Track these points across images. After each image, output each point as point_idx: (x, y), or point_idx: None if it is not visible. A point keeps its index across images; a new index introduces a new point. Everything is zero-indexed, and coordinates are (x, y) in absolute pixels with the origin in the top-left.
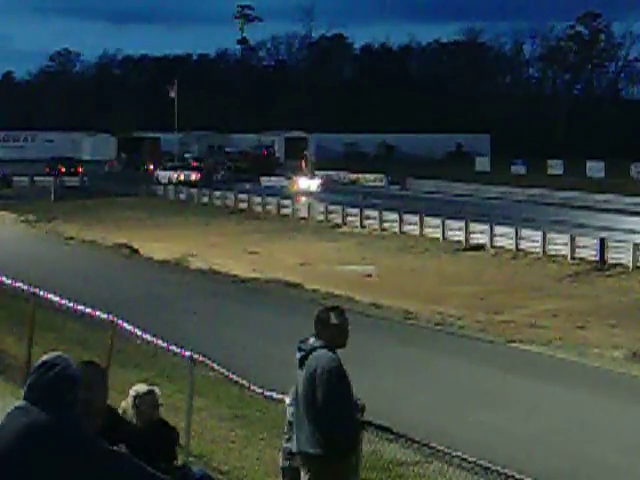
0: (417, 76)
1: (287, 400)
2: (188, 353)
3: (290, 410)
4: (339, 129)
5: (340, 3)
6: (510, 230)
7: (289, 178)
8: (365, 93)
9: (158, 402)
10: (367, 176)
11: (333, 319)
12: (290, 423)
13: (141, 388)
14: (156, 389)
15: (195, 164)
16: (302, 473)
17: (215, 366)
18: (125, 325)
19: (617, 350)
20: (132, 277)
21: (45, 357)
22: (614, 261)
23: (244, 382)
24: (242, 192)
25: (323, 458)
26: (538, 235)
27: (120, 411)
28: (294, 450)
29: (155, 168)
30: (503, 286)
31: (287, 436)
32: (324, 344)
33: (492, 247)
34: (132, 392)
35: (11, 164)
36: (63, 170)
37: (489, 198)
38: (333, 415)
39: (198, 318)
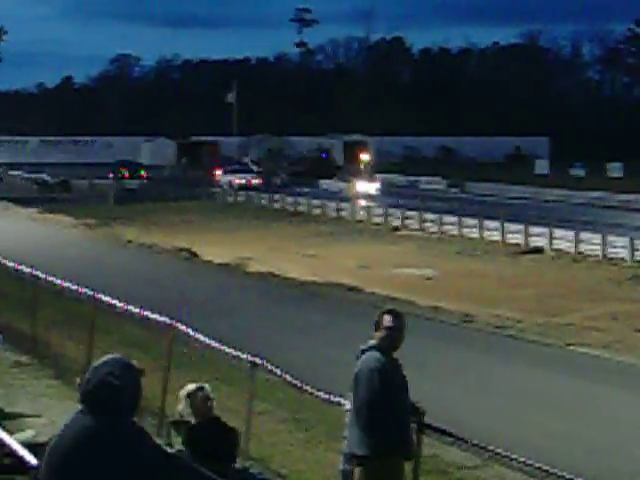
0: (476, 79)
1: (347, 405)
2: (248, 357)
3: (348, 413)
4: (398, 132)
5: (399, 7)
6: (569, 233)
7: (348, 181)
8: (424, 96)
9: (210, 397)
10: (426, 179)
11: (386, 321)
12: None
13: (191, 386)
14: (206, 385)
15: (255, 168)
16: (354, 474)
17: (274, 369)
18: (184, 328)
19: None
20: (191, 280)
21: (96, 363)
22: None
23: (303, 385)
24: (301, 195)
25: (369, 458)
26: (598, 238)
27: (177, 415)
28: (345, 451)
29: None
30: (562, 289)
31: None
32: (376, 345)
33: (551, 250)
34: (183, 392)
35: (70, 168)
36: (127, 175)
37: (548, 201)
38: (372, 415)
39: (258, 322)
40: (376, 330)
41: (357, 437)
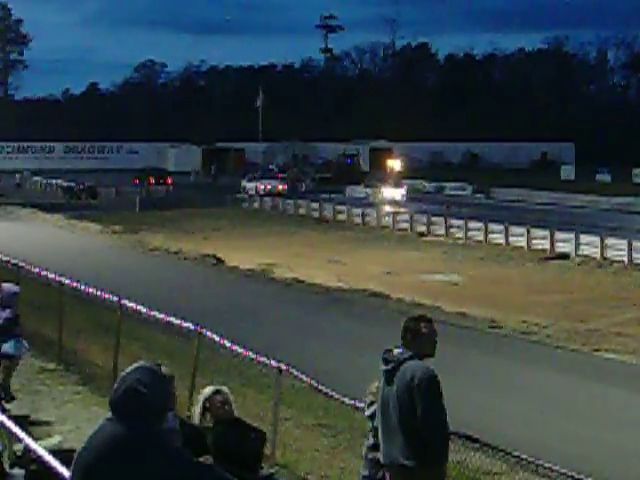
0: (501, 85)
1: (366, 412)
2: (275, 363)
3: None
4: (423, 138)
5: (424, 13)
6: (595, 239)
7: (374, 187)
8: (449, 102)
9: (229, 400)
10: (451, 184)
11: (423, 329)
12: (375, 432)
13: (209, 390)
14: (224, 388)
15: (280, 174)
16: None
17: (301, 376)
18: (211, 335)
19: None
20: (217, 287)
21: (125, 371)
22: None
23: (330, 392)
24: (326, 202)
25: (417, 469)
26: (624, 244)
27: (195, 421)
28: (383, 462)
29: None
30: (588, 295)
31: (371, 442)
32: (414, 354)
33: (577, 256)
34: (201, 397)
35: (96, 175)
36: (152, 181)
37: (574, 207)
38: (434, 425)
39: (283, 328)
40: (412, 338)
41: (406, 447)
